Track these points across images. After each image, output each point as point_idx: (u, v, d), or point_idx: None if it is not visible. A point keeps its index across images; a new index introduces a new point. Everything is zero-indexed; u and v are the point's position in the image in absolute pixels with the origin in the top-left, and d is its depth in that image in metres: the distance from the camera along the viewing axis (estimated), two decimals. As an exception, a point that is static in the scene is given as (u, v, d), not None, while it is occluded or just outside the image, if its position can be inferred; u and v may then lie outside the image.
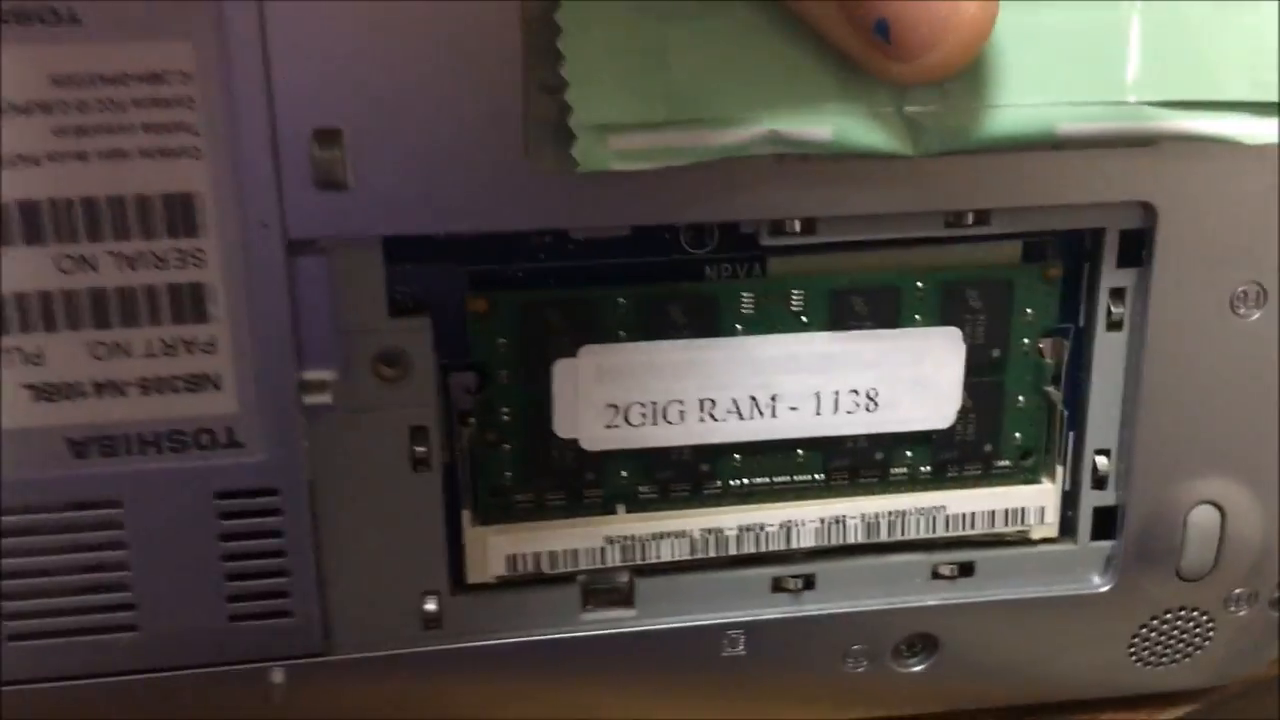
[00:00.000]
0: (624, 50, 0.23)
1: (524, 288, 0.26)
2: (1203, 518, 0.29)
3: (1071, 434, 0.29)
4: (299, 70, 0.23)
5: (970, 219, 0.27)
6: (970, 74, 0.24)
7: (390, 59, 0.23)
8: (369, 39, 0.23)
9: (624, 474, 0.28)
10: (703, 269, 0.27)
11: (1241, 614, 0.31)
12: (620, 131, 0.23)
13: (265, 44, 0.22)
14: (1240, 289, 0.28)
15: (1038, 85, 0.24)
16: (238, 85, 0.23)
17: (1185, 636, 0.31)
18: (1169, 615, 0.31)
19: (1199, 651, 0.31)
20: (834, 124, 0.24)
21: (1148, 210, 0.27)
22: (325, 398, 0.25)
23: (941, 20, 0.22)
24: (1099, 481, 0.29)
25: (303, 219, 0.24)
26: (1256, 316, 0.28)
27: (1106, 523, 0.30)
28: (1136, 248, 0.27)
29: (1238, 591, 0.31)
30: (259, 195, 0.23)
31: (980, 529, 0.30)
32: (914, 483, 0.29)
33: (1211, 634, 0.31)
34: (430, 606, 0.27)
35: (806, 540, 0.29)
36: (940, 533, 0.30)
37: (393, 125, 0.23)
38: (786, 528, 0.29)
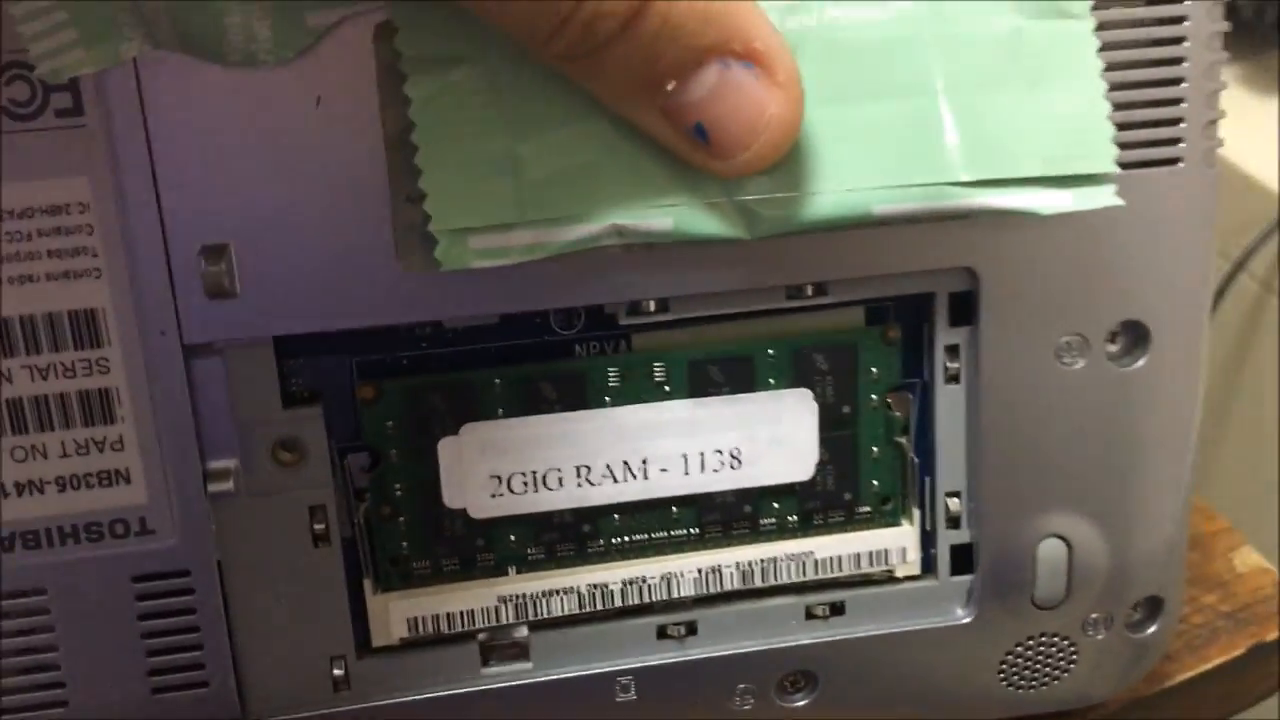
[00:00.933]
0: (475, 161, 0.26)
1: (408, 374, 0.29)
2: (1050, 550, 0.32)
3: (926, 479, 0.32)
4: (185, 194, 0.26)
5: (809, 290, 0.30)
6: (792, 164, 0.27)
7: (267, 181, 0.26)
8: (247, 164, 0.26)
9: (512, 538, 0.31)
10: (573, 348, 0.30)
11: (1100, 637, 0.33)
12: (479, 232, 0.26)
13: (154, 173, 0.25)
14: (1064, 340, 0.30)
15: (853, 171, 0.27)
16: (131, 211, 0.25)
17: (1051, 660, 0.34)
18: (1031, 641, 0.33)
19: (1066, 674, 0.34)
20: (673, 215, 0.27)
21: (971, 274, 0.30)
22: (228, 485, 0.28)
23: (750, 122, 0.25)
24: (953, 521, 0.32)
25: (197, 326, 0.26)
26: (1081, 365, 0.31)
27: (965, 558, 0.33)
28: (966, 308, 0.30)
29: (1094, 616, 0.33)
30: (156, 307, 0.26)
31: (848, 570, 0.32)
32: (783, 531, 0.32)
33: (1075, 657, 0.34)
34: (338, 671, 0.30)
35: (687, 590, 0.32)
36: (811, 576, 0.32)
37: (273, 238, 0.26)
38: (667, 579, 0.31)
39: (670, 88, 0.25)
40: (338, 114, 0.26)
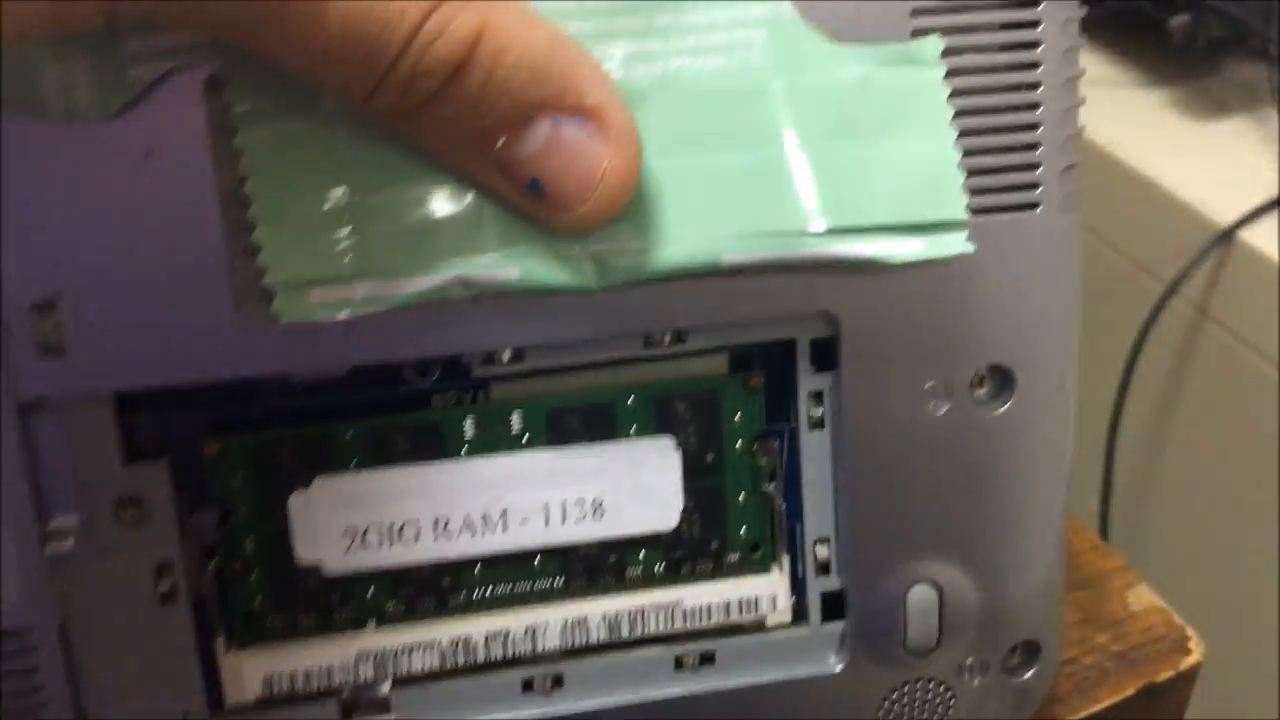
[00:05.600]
0: (311, 214, 0.25)
1: (255, 428, 0.29)
2: (920, 597, 0.32)
3: (795, 525, 0.32)
4: (11, 250, 0.25)
5: (668, 339, 0.29)
6: (639, 214, 0.27)
7: (98, 235, 0.25)
8: (76, 218, 0.25)
9: (370, 592, 0.30)
10: (429, 399, 0.29)
11: (976, 683, 0.33)
12: (318, 285, 0.26)
13: (-22, 228, 0.25)
14: (928, 384, 0.30)
15: (702, 221, 0.27)
16: (-45, 267, 0.25)
17: (929, 706, 0.33)
18: (908, 688, 0.33)
19: (948, 718, 0.34)
20: (519, 265, 0.26)
21: (831, 320, 0.29)
22: (68, 545, 0.27)
23: (584, 177, 0.25)
24: (823, 568, 0.32)
25: (29, 383, 0.26)
26: (945, 410, 0.30)
27: (837, 606, 0.32)
28: (829, 353, 0.30)
29: (969, 661, 0.33)
30: (-15, 364, 0.26)
31: (717, 619, 0.32)
32: (650, 581, 0.31)
33: (953, 702, 0.33)
34: (190, 731, 0.29)
35: (552, 643, 0.31)
36: (680, 626, 0.32)
37: (106, 294, 0.26)
38: (531, 632, 0.31)
39: (501, 143, 0.24)
40: (169, 167, 0.25)
